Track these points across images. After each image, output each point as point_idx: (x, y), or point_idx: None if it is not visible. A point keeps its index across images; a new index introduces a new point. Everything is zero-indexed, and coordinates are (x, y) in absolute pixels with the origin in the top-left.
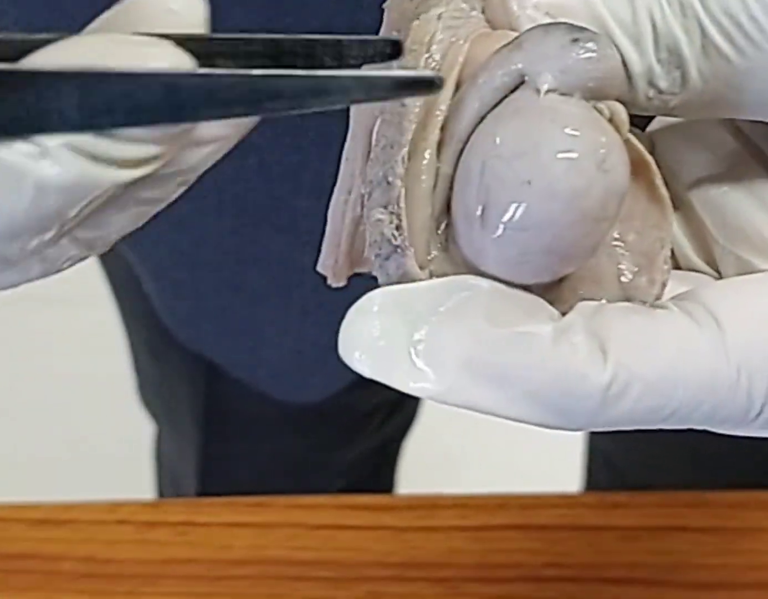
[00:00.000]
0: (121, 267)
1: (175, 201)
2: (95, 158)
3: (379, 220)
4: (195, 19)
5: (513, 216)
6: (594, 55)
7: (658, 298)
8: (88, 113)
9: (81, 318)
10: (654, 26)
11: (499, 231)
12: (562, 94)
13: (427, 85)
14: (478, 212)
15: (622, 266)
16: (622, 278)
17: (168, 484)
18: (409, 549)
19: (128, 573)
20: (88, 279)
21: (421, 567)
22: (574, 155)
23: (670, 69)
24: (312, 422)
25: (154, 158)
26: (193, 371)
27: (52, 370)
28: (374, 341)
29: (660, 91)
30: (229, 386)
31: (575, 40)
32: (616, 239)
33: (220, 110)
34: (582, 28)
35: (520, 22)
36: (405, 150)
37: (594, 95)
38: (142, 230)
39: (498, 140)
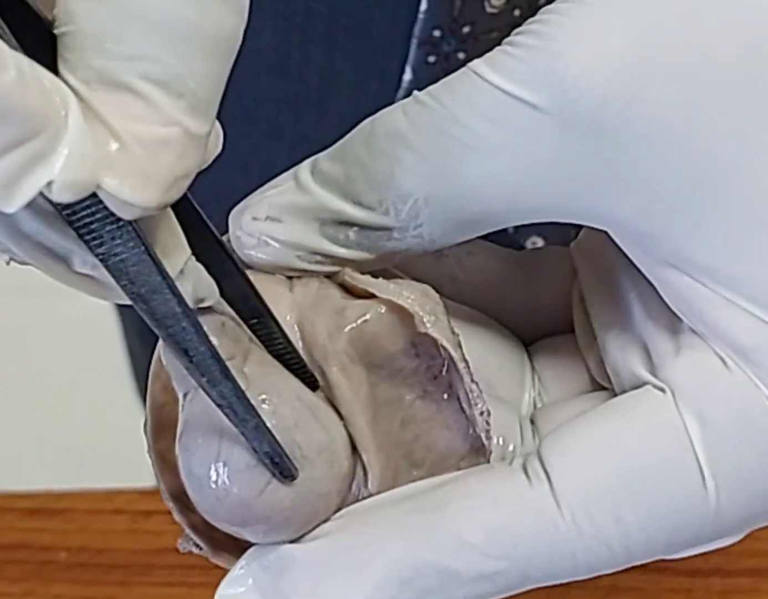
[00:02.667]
0: None
1: None
2: None
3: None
4: None
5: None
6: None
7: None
8: None
9: (77, 306)
10: (365, 172)
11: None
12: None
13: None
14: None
15: (458, 395)
16: (464, 407)
17: None
18: None
19: (122, 563)
20: None
21: None
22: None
23: (399, 207)
24: None
25: None
26: None
27: (47, 358)
28: None
29: (405, 229)
30: None
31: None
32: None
33: None
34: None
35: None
36: None
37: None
38: None
39: None
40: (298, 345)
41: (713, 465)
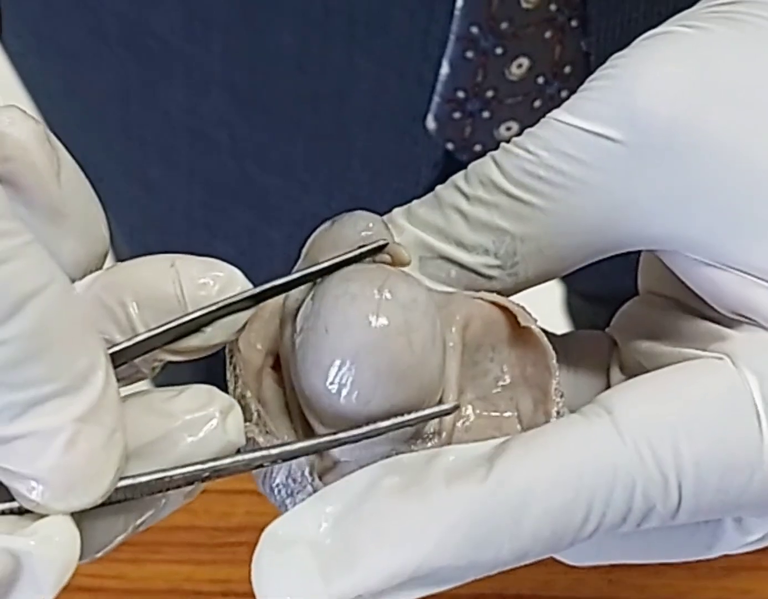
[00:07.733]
0: None
1: (146, 165)
2: None
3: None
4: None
5: (340, 368)
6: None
7: None
8: None
9: None
10: (465, 217)
11: (335, 381)
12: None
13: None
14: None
15: (518, 409)
16: (523, 420)
17: None
18: None
19: (131, 541)
20: None
21: None
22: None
23: (498, 246)
24: None
25: None
26: None
27: None
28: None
29: (503, 267)
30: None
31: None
32: (504, 384)
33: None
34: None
35: None
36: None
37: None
38: (116, 192)
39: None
40: None
41: None
